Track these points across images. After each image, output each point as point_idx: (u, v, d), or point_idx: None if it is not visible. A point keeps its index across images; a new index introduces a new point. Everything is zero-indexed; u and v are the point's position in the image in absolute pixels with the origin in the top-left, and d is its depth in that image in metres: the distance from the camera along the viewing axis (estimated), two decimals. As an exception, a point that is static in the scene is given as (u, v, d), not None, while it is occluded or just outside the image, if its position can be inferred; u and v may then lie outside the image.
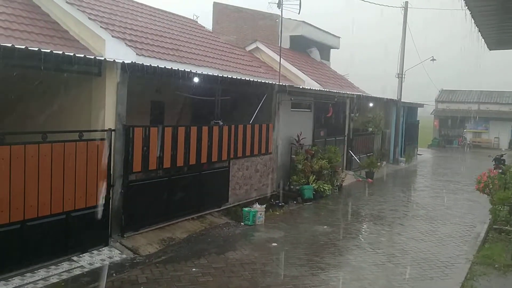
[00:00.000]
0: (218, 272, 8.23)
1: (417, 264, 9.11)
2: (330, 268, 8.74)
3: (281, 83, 14.76)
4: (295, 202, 14.15)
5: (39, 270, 7.57)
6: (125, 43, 12.41)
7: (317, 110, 17.68)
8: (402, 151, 27.48)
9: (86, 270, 7.89)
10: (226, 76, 11.78)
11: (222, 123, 11.99)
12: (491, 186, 12.31)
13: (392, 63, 27.52)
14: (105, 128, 8.87)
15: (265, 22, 25.73)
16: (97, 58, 8.58)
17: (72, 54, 7.99)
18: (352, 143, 20.89)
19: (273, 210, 12.90)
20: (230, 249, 9.51)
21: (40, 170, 7.62)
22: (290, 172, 15.13)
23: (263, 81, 13.52)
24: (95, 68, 8.86)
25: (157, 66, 9.55)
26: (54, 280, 7.38)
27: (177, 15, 18.67)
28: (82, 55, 8.24)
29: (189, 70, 10.45)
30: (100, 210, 8.75)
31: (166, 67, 9.83)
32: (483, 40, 9.08)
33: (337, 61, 31.80)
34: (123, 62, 9.00)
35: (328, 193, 15.12)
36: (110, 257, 8.52)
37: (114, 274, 7.86)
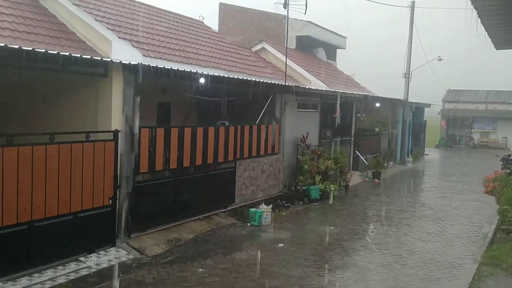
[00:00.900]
0: (224, 272, 8.24)
1: (424, 264, 9.07)
2: (336, 269, 8.73)
3: (287, 84, 14.74)
4: (301, 202, 14.13)
5: (46, 271, 7.61)
6: (132, 44, 12.44)
7: (324, 111, 17.65)
8: (409, 151, 27.39)
9: (93, 270, 7.92)
10: (232, 76, 11.79)
11: (228, 123, 12.00)
12: (497, 188, 12.22)
13: (399, 63, 27.44)
14: (112, 129, 8.91)
15: (271, 22, 25.71)
16: (103, 59, 8.61)
17: (78, 55, 8.02)
18: (358, 143, 20.84)
19: (280, 211, 12.89)
20: (237, 250, 9.51)
21: (47, 171, 7.66)
22: (296, 173, 15.12)
23: (269, 82, 13.52)
24: (102, 69, 8.89)
25: (163, 67, 9.58)
26: (61, 280, 7.42)
27: (183, 16, 18.70)
28: (89, 56, 8.28)
29: (195, 71, 10.47)
30: (107, 210, 8.80)
31: (172, 68, 9.85)
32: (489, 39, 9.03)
33: (344, 61, 31.75)
34: (130, 63, 9.03)
35: (334, 194, 15.07)
36: (117, 258, 8.55)
37: (121, 275, 7.88)
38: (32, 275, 7.42)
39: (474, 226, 12.28)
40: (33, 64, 7.65)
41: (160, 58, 12.81)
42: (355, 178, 18.31)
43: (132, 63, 9.10)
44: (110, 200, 8.86)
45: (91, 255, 8.43)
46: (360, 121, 21.46)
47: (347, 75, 29.25)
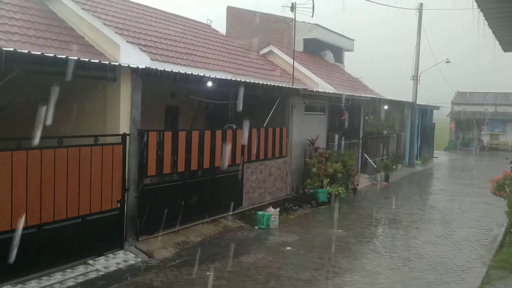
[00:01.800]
0: (232, 276, 8.24)
1: (433, 268, 9.02)
2: (344, 272, 8.70)
3: (294, 87, 14.74)
4: (309, 205, 14.11)
5: (55, 274, 7.66)
6: (140, 48, 12.51)
7: (331, 113, 17.62)
8: (418, 154, 27.27)
9: (101, 273, 7.96)
10: (239, 80, 11.81)
11: (235, 126, 12.02)
12: (507, 189, 12.11)
13: (407, 65, 27.38)
14: (120, 133, 8.96)
15: (279, 25, 25.74)
16: (111, 63, 8.67)
17: (87, 59, 8.09)
18: (367, 146, 20.77)
19: (287, 214, 12.88)
20: (244, 253, 9.51)
21: (56, 175, 7.72)
22: (304, 176, 15.10)
23: (277, 85, 13.52)
24: (110, 73, 8.93)
25: (171, 70, 9.61)
26: (70, 283, 7.46)
27: (191, 20, 18.78)
28: (97, 61, 8.34)
29: (203, 75, 10.50)
30: (115, 214, 8.84)
31: (180, 71, 9.89)
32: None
33: (352, 64, 31.70)
34: (137, 67, 9.08)
35: (342, 197, 15.04)
36: (125, 261, 8.58)
37: (129, 278, 7.92)
38: (41, 278, 7.46)
39: (484, 229, 12.19)
40: (42, 69, 7.72)
41: (168, 61, 12.87)
42: (363, 181, 18.25)
43: (140, 67, 9.14)
44: (118, 203, 8.90)
45: (99, 258, 8.47)
46: (368, 123, 21.40)
47: (355, 78, 29.19)
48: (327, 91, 17.60)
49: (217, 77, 10.97)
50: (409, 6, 26.56)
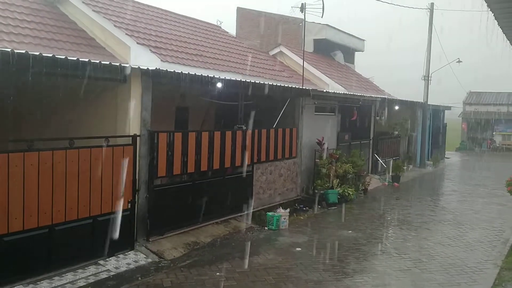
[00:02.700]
0: (242, 276, 8.25)
1: (444, 269, 8.95)
2: (355, 274, 8.67)
3: (304, 87, 14.73)
4: (319, 206, 14.07)
5: (66, 274, 7.72)
6: (150, 50, 12.57)
7: (342, 114, 17.57)
8: (429, 155, 27.09)
9: (112, 274, 8.00)
10: (249, 81, 11.83)
11: (245, 127, 12.03)
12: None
13: (418, 65, 27.23)
14: (131, 134, 9.01)
15: (289, 26, 25.74)
16: (122, 65, 8.72)
17: (97, 61, 8.14)
18: (377, 147, 20.69)
19: (297, 215, 12.87)
20: (254, 254, 9.51)
21: (67, 176, 7.78)
22: (314, 176, 15.06)
23: (287, 85, 13.52)
24: (121, 75, 8.98)
25: (181, 72, 9.65)
26: (81, 283, 7.51)
27: (201, 21, 18.84)
28: (108, 62, 8.39)
29: (212, 76, 10.53)
30: (126, 214, 8.89)
31: (190, 73, 9.93)
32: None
33: (362, 64, 31.59)
34: (148, 68, 9.13)
35: (353, 198, 14.98)
36: (135, 261, 8.63)
37: (139, 278, 7.96)
38: (53, 278, 7.52)
39: (495, 230, 12.07)
40: (54, 70, 7.78)
41: (178, 63, 12.92)
42: (374, 182, 18.16)
43: (150, 68, 9.19)
44: (129, 204, 8.95)
45: (110, 258, 8.52)
46: (379, 124, 21.30)
47: (366, 78, 29.10)
48: (337, 92, 17.56)
49: (226, 78, 10.99)
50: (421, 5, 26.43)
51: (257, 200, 12.55)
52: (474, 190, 18.73)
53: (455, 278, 8.52)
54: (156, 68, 9.45)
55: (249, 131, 12.06)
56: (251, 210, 12.22)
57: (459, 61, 30.15)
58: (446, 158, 30.96)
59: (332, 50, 27.59)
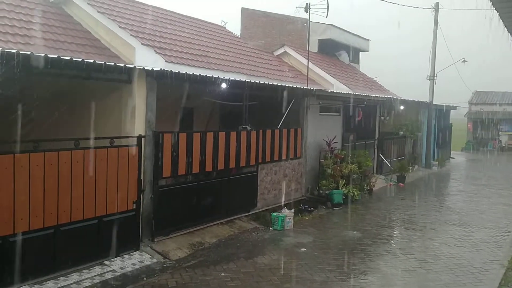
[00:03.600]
0: (247, 277, 8.25)
1: (450, 270, 8.92)
2: (360, 274, 8.65)
3: (309, 87, 14.71)
4: (324, 207, 14.05)
5: (72, 274, 7.75)
6: (155, 51, 12.59)
7: (347, 114, 17.54)
8: (435, 155, 26.99)
9: (117, 274, 8.02)
10: (254, 81, 11.83)
11: (250, 128, 12.04)
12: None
13: (424, 65, 27.14)
14: (135, 135, 9.03)
15: (293, 26, 25.70)
16: (127, 66, 8.74)
17: (102, 62, 8.17)
18: (382, 147, 20.64)
19: (302, 215, 12.85)
20: (259, 254, 9.52)
21: (72, 176, 7.81)
22: (319, 177, 15.05)
23: (291, 86, 13.51)
24: (125, 76, 9.03)
25: (186, 72, 9.67)
26: (86, 284, 7.53)
27: (206, 22, 18.86)
28: (112, 63, 8.41)
29: (217, 76, 10.54)
30: (131, 215, 8.92)
31: (195, 73, 9.94)
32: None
33: (367, 64, 31.51)
34: (152, 69, 9.15)
35: (358, 198, 14.95)
36: (141, 262, 8.64)
37: (144, 278, 7.98)
38: (58, 278, 7.55)
39: (501, 230, 12.02)
40: (59, 71, 7.82)
41: (183, 63, 12.94)
42: (379, 182, 18.13)
43: (154, 69, 9.22)
44: (134, 205, 8.97)
45: (115, 259, 8.54)
46: (384, 124, 21.25)
47: (371, 78, 29.03)
48: (342, 92, 17.52)
49: (231, 78, 11.00)
50: (425, 5, 26.33)
51: (262, 201, 12.55)
52: (480, 190, 18.64)
53: (461, 278, 8.49)
54: (161, 68, 9.48)
55: (254, 132, 12.06)
56: (256, 211, 12.24)
57: (464, 61, 30.02)
58: (451, 158, 30.83)
59: (337, 50, 27.52)
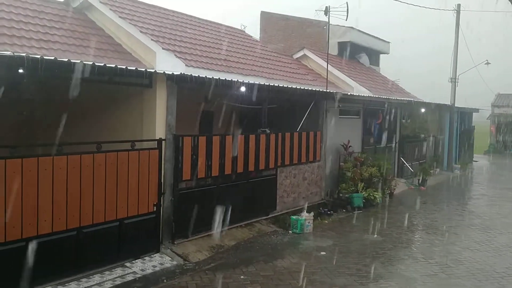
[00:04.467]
0: (266, 280, 8.26)
1: (472, 274, 8.79)
2: (380, 278, 8.57)
3: (328, 90, 14.67)
4: (344, 210, 13.99)
5: (94, 276, 7.86)
6: (175, 55, 12.72)
7: (367, 117, 17.45)
8: (457, 158, 26.63)
9: (138, 276, 8.11)
10: (273, 84, 11.85)
11: (269, 131, 12.05)
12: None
13: (445, 67, 26.82)
14: (156, 138, 9.13)
15: (313, 29, 25.68)
16: (148, 70, 8.86)
17: (124, 67, 8.28)
18: (403, 150, 20.45)
19: (322, 219, 12.81)
20: (278, 257, 9.52)
21: (95, 179, 7.93)
22: (338, 180, 14.98)
23: (310, 89, 13.50)
24: (146, 80, 9.14)
25: (205, 76, 9.74)
26: (108, 285, 7.63)
27: (225, 26, 18.95)
28: (134, 68, 8.53)
29: (236, 80, 10.60)
30: (151, 217, 9.01)
31: (214, 77, 10.01)
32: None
33: (387, 66, 31.27)
34: (173, 73, 9.25)
35: (378, 201, 14.84)
36: (161, 264, 8.73)
37: (165, 280, 8.04)
38: (80, 280, 7.67)
39: (526, 235, 11.80)
40: (82, 76, 7.95)
41: (202, 67, 13.04)
42: (400, 186, 17.96)
43: (175, 73, 9.31)
44: (155, 207, 9.06)
45: (136, 260, 8.64)
46: (404, 127, 21.06)
47: (391, 81, 28.80)
48: (362, 95, 17.43)
49: (250, 82, 11.04)
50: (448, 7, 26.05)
51: (281, 204, 12.55)
52: (503, 194, 18.33)
53: (483, 283, 8.36)
54: (181, 73, 9.57)
55: (273, 135, 12.08)
56: (275, 214, 12.24)
57: (487, 63, 29.58)
58: (474, 161, 30.37)
59: (357, 53, 27.39)
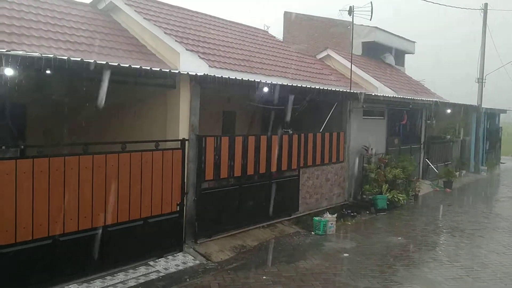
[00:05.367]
0: (288, 281, 8.24)
1: (498, 278, 8.62)
2: (404, 281, 8.47)
3: (352, 91, 14.57)
4: (367, 212, 13.86)
5: (118, 274, 7.97)
6: (199, 56, 12.81)
7: (391, 118, 17.25)
8: (483, 160, 26.12)
9: (161, 274, 8.19)
10: (296, 85, 11.83)
11: (292, 131, 12.03)
12: None
13: (472, 67, 26.38)
14: (179, 138, 9.22)
15: (337, 29, 25.54)
16: (172, 71, 8.95)
17: (148, 68, 8.39)
18: (428, 151, 20.15)
19: (345, 220, 12.71)
20: (301, 258, 9.49)
21: (119, 178, 8.04)
22: (362, 181, 14.85)
23: (334, 89, 13.43)
24: (170, 81, 9.24)
25: (228, 77, 9.79)
26: (132, 283, 7.73)
27: (248, 26, 19.01)
28: (158, 69, 8.63)
29: (259, 80, 10.61)
30: (175, 216, 9.09)
31: (237, 78, 10.05)
32: None
33: (413, 66, 30.90)
34: (196, 74, 9.32)
35: (402, 203, 14.65)
36: (184, 263, 8.79)
37: (188, 279, 8.10)
38: (105, 278, 7.79)
39: (555, 239, 11.51)
40: (107, 77, 8.07)
41: (226, 68, 13.09)
42: (425, 187, 17.72)
43: (198, 74, 9.38)
44: (178, 207, 9.14)
45: (159, 259, 8.72)
46: (430, 128, 20.75)
47: (416, 81, 28.44)
48: (386, 95, 17.25)
49: (273, 82, 11.05)
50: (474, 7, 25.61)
51: (303, 205, 12.52)
52: (532, 197, 17.90)
53: (510, 287, 8.18)
54: (205, 73, 9.64)
55: (296, 135, 12.06)
56: (298, 215, 12.21)
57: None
58: (501, 163, 29.70)
59: (381, 53, 27.14)
